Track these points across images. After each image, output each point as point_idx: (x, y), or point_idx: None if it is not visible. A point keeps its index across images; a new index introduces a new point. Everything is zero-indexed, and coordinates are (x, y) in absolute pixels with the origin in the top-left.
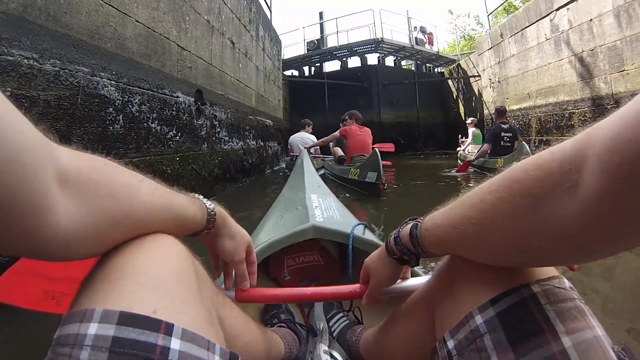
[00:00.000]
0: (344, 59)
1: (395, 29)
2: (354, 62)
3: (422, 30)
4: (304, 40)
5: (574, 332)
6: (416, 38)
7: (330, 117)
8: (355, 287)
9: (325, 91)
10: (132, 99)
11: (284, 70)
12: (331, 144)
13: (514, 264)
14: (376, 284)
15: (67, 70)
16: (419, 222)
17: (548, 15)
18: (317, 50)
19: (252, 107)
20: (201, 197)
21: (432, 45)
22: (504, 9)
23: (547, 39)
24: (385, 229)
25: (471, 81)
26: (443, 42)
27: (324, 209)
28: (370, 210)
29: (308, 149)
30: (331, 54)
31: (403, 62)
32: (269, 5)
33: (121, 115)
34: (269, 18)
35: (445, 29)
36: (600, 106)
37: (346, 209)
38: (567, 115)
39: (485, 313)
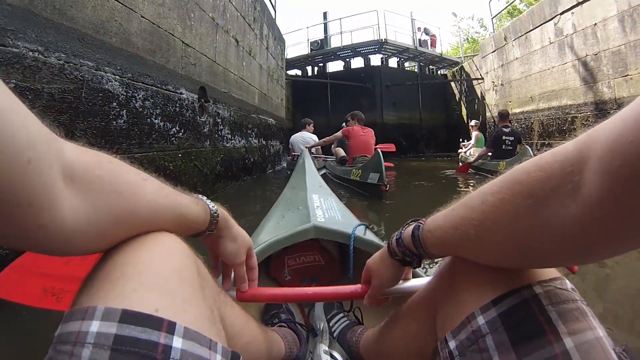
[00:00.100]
0: (348, 59)
1: (399, 31)
2: (357, 62)
3: (426, 32)
4: (308, 40)
5: (575, 333)
6: (420, 40)
7: (332, 118)
8: (357, 287)
9: (328, 91)
10: (136, 95)
11: (287, 69)
12: (333, 144)
13: (515, 265)
14: (378, 285)
15: (71, 64)
16: (420, 223)
17: (552, 19)
18: (321, 50)
19: (255, 106)
20: (204, 198)
21: (436, 47)
22: (508, 12)
23: (551, 43)
24: (386, 230)
25: (474, 84)
26: (447, 45)
27: (325, 209)
28: (372, 211)
29: (309, 148)
30: (334, 54)
31: (406, 64)
32: (274, 4)
33: (125, 111)
34: (273, 17)
35: (448, 32)
36: (603, 111)
37: (347, 209)
38: (569, 119)
39: (487, 314)
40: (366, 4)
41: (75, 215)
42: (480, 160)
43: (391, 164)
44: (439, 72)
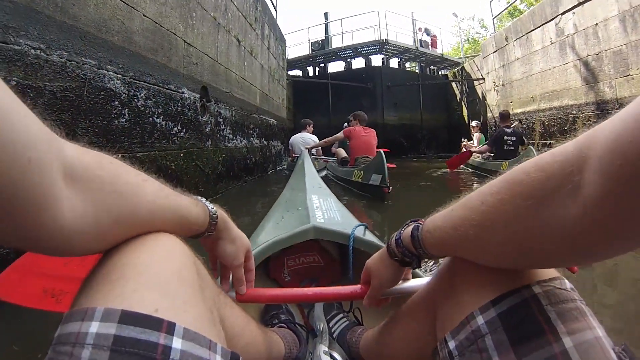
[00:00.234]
0: (349, 59)
1: (400, 31)
2: (358, 63)
3: (427, 32)
4: (309, 40)
5: (574, 332)
6: (421, 40)
7: (333, 118)
8: (356, 288)
9: (329, 92)
10: (138, 93)
11: (288, 70)
12: (334, 145)
13: (515, 266)
14: (377, 286)
15: (73, 62)
16: (420, 224)
17: (553, 19)
18: (322, 51)
19: (256, 106)
20: (204, 199)
21: (437, 47)
22: (509, 12)
23: (552, 43)
24: (388, 232)
25: (475, 84)
26: (447, 45)
27: (324, 209)
28: (374, 212)
29: (309, 149)
30: (335, 55)
31: (407, 64)
32: (275, 4)
33: (127, 109)
34: (275, 17)
35: (449, 32)
36: (604, 111)
37: (347, 209)
38: (571, 119)
39: (487, 314)
40: (367, 4)
41: (76, 215)
42: (480, 160)
43: (393, 165)
44: (439, 73)
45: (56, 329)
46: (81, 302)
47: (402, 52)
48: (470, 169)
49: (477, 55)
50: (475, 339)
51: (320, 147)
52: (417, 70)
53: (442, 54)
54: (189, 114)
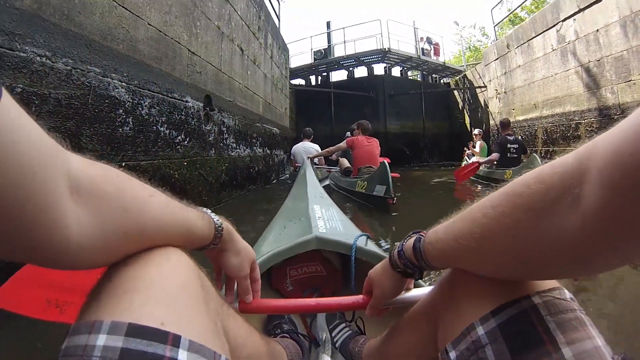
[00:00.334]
0: (351, 68)
1: (402, 40)
2: (360, 72)
3: (429, 40)
4: (311, 49)
5: (574, 342)
6: (422, 49)
7: (336, 127)
8: (358, 298)
9: (332, 101)
10: (142, 102)
11: (290, 79)
12: (335, 154)
13: (515, 277)
14: (379, 296)
15: (79, 70)
16: (422, 235)
17: (554, 26)
18: (324, 60)
19: (259, 115)
20: (209, 211)
21: (439, 55)
22: (509, 20)
23: (553, 50)
24: (391, 242)
25: (477, 92)
26: (449, 53)
27: (326, 219)
28: (376, 223)
29: (312, 159)
30: (338, 64)
31: (409, 73)
32: (278, 13)
33: (131, 118)
34: (277, 26)
35: (451, 40)
36: (607, 116)
37: (349, 220)
38: (573, 125)
39: (487, 324)
40: (369, 13)
41: (82, 229)
42: (486, 169)
43: (397, 175)
44: (441, 81)
45: (58, 338)
46: (88, 314)
47: (404, 61)
48: (474, 177)
49: (478, 63)
50: (476, 349)
51: (322, 157)
52: (419, 79)
53: (444, 62)
54: (193, 122)
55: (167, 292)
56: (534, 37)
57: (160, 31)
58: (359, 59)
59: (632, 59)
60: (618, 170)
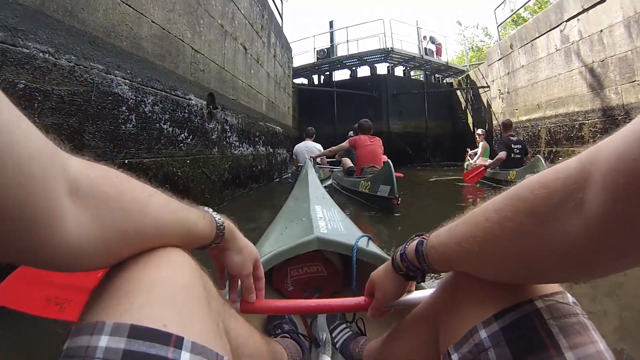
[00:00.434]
0: (354, 68)
1: (405, 39)
2: (363, 71)
3: (432, 40)
4: (314, 48)
5: (577, 347)
6: (425, 48)
7: (338, 127)
8: (360, 299)
9: (335, 100)
10: (145, 99)
11: (293, 78)
12: (338, 154)
13: (517, 281)
14: (381, 298)
15: (82, 67)
16: (424, 238)
17: (558, 26)
18: (327, 59)
19: (262, 113)
20: (210, 210)
21: (441, 55)
22: (512, 20)
23: (557, 50)
24: (395, 244)
25: (480, 92)
26: (452, 53)
27: (328, 220)
28: (379, 223)
29: (314, 158)
30: (341, 63)
31: (412, 72)
32: (281, 12)
33: (134, 115)
34: (280, 25)
35: (454, 40)
36: (610, 117)
37: (350, 220)
38: (577, 126)
39: (490, 328)
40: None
41: (81, 231)
42: (491, 169)
43: (401, 174)
44: (444, 81)
45: (57, 336)
46: (90, 315)
47: (407, 61)
48: (481, 178)
49: (481, 63)
50: (478, 352)
51: (324, 157)
52: (422, 79)
53: (447, 62)
54: (196, 120)
55: (169, 293)
56: (538, 37)
57: (164, 29)
58: (361, 59)
59: (636, 60)
60: (622, 175)
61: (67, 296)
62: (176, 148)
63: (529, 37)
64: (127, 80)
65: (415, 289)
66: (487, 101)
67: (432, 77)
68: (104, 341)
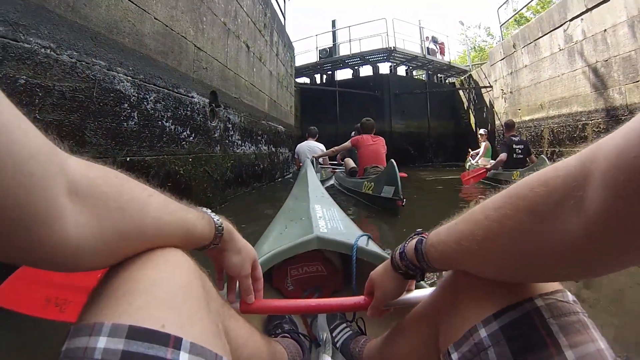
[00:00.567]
0: (356, 67)
1: (408, 39)
2: (366, 70)
3: (434, 40)
4: (317, 47)
5: (577, 345)
6: (428, 48)
7: (341, 126)
8: (360, 299)
9: (337, 99)
10: (148, 96)
11: (295, 77)
12: (340, 154)
13: (517, 280)
14: (381, 297)
15: (83, 63)
16: (424, 237)
17: (562, 25)
18: (329, 58)
19: (265, 112)
20: (209, 211)
21: (444, 55)
22: (515, 20)
23: (560, 50)
24: (397, 243)
25: (483, 92)
26: (455, 53)
27: (327, 219)
28: (382, 223)
29: (316, 158)
30: (343, 62)
31: (415, 72)
32: (283, 11)
33: (136, 112)
34: (283, 24)
35: (456, 40)
36: (614, 117)
37: (350, 220)
38: (580, 126)
39: (489, 327)
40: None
41: (80, 231)
42: (493, 171)
43: (405, 174)
44: (447, 81)
45: (57, 337)
46: (88, 316)
47: (410, 60)
48: (482, 179)
49: (484, 63)
50: (478, 351)
51: (326, 157)
52: (424, 78)
53: (450, 62)
54: (198, 118)
55: (167, 293)
56: (541, 36)
57: (167, 26)
58: (364, 58)
59: None
60: (622, 172)
61: (67, 297)
62: (178, 146)
63: (532, 37)
64: (129, 77)
65: (415, 289)
66: (490, 101)
67: (435, 76)
68: (102, 342)
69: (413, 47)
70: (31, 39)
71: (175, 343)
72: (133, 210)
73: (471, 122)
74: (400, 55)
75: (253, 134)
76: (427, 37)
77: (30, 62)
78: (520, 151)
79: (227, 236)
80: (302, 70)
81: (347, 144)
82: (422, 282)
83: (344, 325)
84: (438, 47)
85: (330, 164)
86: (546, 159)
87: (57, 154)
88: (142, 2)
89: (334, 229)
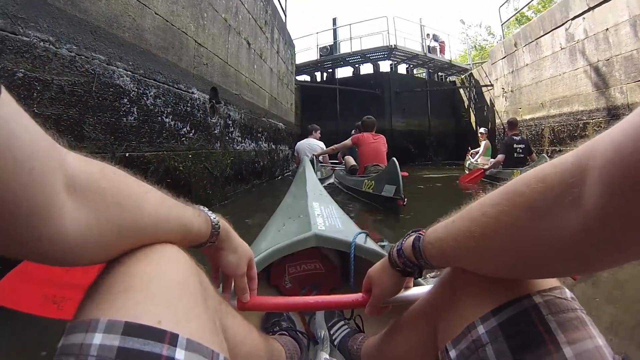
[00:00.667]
0: (357, 65)
1: (408, 37)
2: (366, 68)
3: (435, 38)
4: (317, 45)
5: (575, 342)
6: (429, 46)
7: (341, 124)
8: (358, 296)
9: (337, 97)
10: (148, 92)
11: (296, 75)
12: (340, 152)
13: (515, 276)
14: (379, 295)
15: (83, 57)
16: (421, 234)
17: (563, 24)
18: (330, 56)
19: (265, 109)
20: (206, 209)
21: (444, 53)
22: (516, 19)
23: (562, 49)
24: (396, 242)
25: (483, 90)
26: (455, 52)
27: (325, 217)
28: (382, 222)
29: (316, 156)
30: (344, 60)
31: (415, 70)
32: (284, 8)
33: (136, 108)
34: (284, 21)
35: (457, 38)
36: (615, 116)
37: (348, 217)
38: (581, 125)
39: (487, 323)
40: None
41: (78, 226)
42: (493, 170)
43: (405, 173)
44: (447, 79)
45: (55, 335)
46: (84, 313)
47: (411, 58)
48: (482, 178)
49: (485, 62)
50: (476, 348)
51: (326, 155)
52: (425, 77)
53: (450, 60)
54: (198, 114)
55: (164, 289)
56: (543, 35)
57: (167, 21)
58: (364, 56)
59: None
60: (618, 168)
61: (65, 294)
62: (178, 142)
63: (533, 36)
64: (129, 72)
65: (413, 286)
66: (491, 100)
67: (435, 75)
68: (98, 339)
69: (414, 45)
70: (30, 32)
71: (172, 339)
72: (130, 205)
73: (472, 120)
74: (401, 54)
75: (253, 131)
76: (427, 36)
77: (28, 55)
78: (521, 150)
79: (223, 235)
80: (302, 68)
81: (348, 141)
82: (419, 279)
83: (342, 322)
84: (439, 45)
85: (330, 162)
86: (547, 158)
87: (56, 149)
88: None
89: (332, 227)
